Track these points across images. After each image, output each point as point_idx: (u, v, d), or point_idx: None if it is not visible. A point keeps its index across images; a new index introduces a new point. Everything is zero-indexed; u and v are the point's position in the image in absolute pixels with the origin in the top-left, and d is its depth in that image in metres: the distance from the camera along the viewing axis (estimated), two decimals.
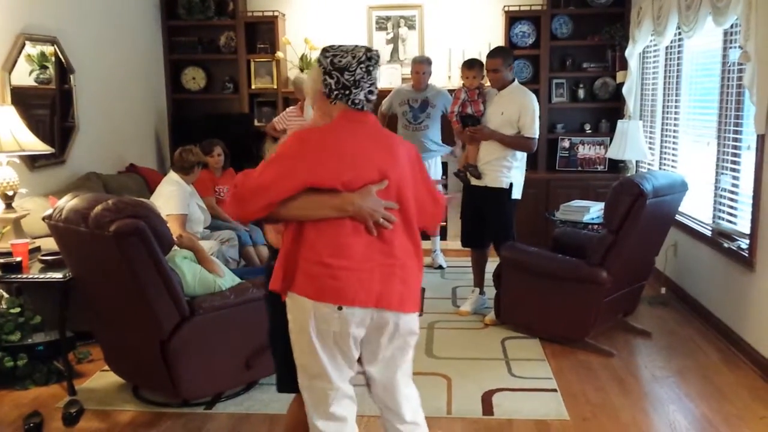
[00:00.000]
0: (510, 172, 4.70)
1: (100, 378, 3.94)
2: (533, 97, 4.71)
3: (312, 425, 2.35)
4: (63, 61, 5.14)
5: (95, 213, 3.16)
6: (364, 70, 2.26)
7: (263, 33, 7.05)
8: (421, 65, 5.89)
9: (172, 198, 4.60)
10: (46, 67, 4.99)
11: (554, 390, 3.73)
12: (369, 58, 2.27)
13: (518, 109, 4.64)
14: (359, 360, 2.37)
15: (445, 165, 6.39)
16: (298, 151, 2.24)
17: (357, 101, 2.28)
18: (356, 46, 2.30)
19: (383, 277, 2.25)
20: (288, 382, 2.45)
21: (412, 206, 2.33)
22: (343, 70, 2.25)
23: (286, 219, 2.24)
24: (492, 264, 4.87)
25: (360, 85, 2.26)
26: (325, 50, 2.30)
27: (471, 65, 4.85)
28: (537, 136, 4.72)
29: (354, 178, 2.21)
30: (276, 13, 6.89)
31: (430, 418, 3.35)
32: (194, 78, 7.11)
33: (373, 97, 2.33)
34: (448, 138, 5.95)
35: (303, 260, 2.22)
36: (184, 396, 3.55)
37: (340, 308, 2.20)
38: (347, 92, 2.26)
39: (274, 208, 2.19)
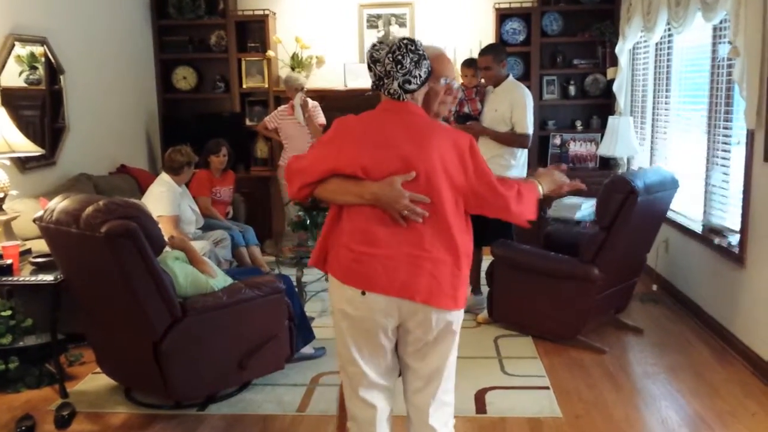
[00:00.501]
0: (508, 172, 4.66)
1: (92, 380, 3.93)
2: (526, 91, 4.69)
3: (348, 405, 2.45)
4: (53, 61, 5.11)
5: (86, 214, 3.15)
6: (392, 59, 2.26)
7: (254, 32, 7.03)
8: None
9: (161, 199, 4.60)
10: (36, 68, 4.96)
11: (547, 387, 3.74)
12: (399, 47, 2.26)
13: (510, 105, 4.63)
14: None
15: None
16: (332, 136, 2.35)
17: (392, 91, 2.30)
18: (399, 38, 2.30)
19: (410, 268, 2.24)
20: None
21: (448, 200, 2.27)
22: (377, 62, 2.31)
23: (325, 200, 2.37)
24: (487, 263, 4.87)
25: (392, 75, 2.28)
26: (372, 45, 2.37)
27: (470, 64, 4.84)
28: (530, 132, 4.70)
29: (373, 165, 2.25)
30: (267, 12, 6.87)
31: None
32: (185, 77, 7.09)
33: (412, 86, 2.30)
34: None
35: (336, 242, 2.33)
36: (176, 398, 3.54)
37: (363, 293, 2.25)
38: (381, 83, 2.32)
39: (313, 189, 2.32)
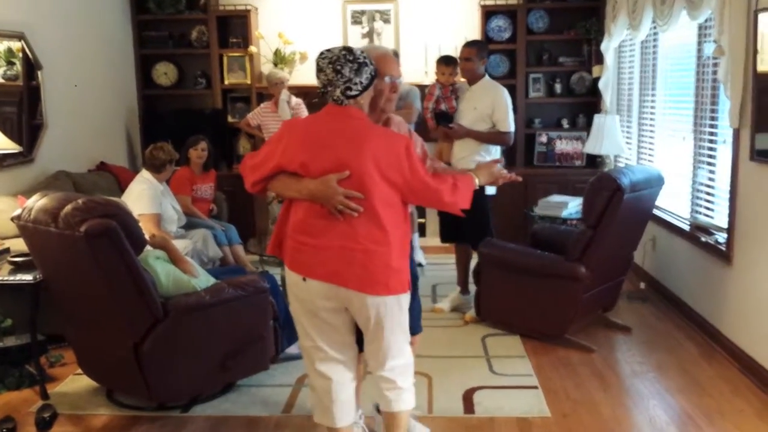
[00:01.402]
0: None
1: (73, 382, 3.86)
2: (505, 91, 4.70)
3: (308, 377, 2.80)
4: (30, 57, 5.00)
5: (65, 213, 3.09)
6: (332, 69, 2.48)
7: (236, 27, 6.95)
8: None
9: (142, 197, 4.52)
10: (13, 63, 4.86)
11: (535, 387, 3.71)
12: (338, 57, 2.48)
13: (491, 103, 4.63)
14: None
15: None
16: (280, 135, 2.61)
17: (336, 98, 2.52)
18: (339, 48, 2.53)
19: (343, 259, 2.49)
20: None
21: (380, 197, 2.48)
22: (321, 71, 2.52)
23: (277, 194, 2.65)
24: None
25: (333, 84, 2.50)
26: (319, 53, 2.55)
27: (448, 61, 4.82)
28: (512, 130, 4.72)
29: (309, 162, 2.49)
30: (249, 7, 6.79)
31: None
32: (165, 73, 6.99)
33: (353, 93, 2.51)
34: (421, 134, 5.89)
35: (285, 232, 2.62)
36: (159, 399, 3.48)
37: (304, 279, 2.54)
38: (326, 90, 2.53)
39: (265, 185, 2.60)
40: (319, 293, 2.54)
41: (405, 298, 2.64)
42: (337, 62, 2.47)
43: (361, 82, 2.51)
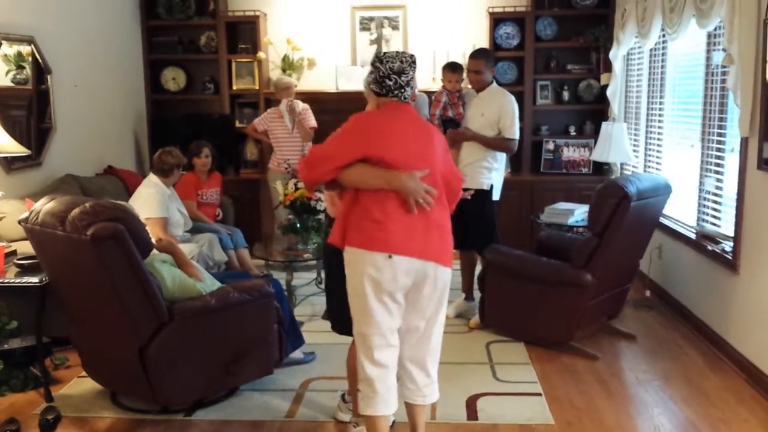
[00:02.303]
0: (491, 174, 4.72)
1: (78, 384, 3.87)
2: (512, 98, 4.71)
3: (360, 368, 2.82)
4: (40, 61, 5.04)
5: (72, 216, 3.10)
6: (413, 71, 2.81)
7: (245, 33, 6.98)
8: None
9: (150, 201, 4.54)
10: (23, 68, 4.90)
11: (539, 394, 3.70)
12: (413, 61, 2.81)
13: (498, 110, 4.64)
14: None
15: None
16: (356, 128, 2.78)
17: (406, 96, 2.82)
18: (398, 52, 2.84)
19: (425, 234, 2.72)
20: (343, 323, 2.99)
21: (442, 182, 2.82)
22: (401, 74, 2.77)
23: (346, 183, 2.74)
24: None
25: (410, 84, 2.80)
26: (379, 58, 2.80)
27: (454, 68, 4.82)
28: (517, 137, 4.75)
29: (401, 152, 2.71)
30: (257, 13, 6.82)
31: None
32: (174, 78, 7.03)
33: (414, 91, 2.86)
34: None
35: (357, 218, 2.72)
36: (163, 403, 3.49)
37: (390, 256, 2.66)
38: (402, 91, 2.80)
39: (338, 173, 2.70)
40: (403, 269, 2.69)
41: None
42: (414, 64, 2.81)
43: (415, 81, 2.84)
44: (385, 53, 2.82)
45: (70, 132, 5.44)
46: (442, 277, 2.80)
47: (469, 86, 4.88)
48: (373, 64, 2.82)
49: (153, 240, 3.53)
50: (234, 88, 6.94)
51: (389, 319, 2.76)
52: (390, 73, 2.77)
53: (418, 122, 2.85)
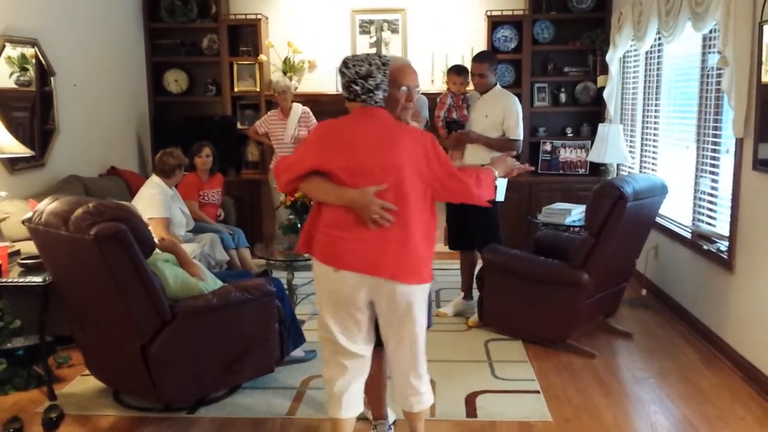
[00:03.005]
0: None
1: (81, 383, 3.90)
2: (516, 100, 4.75)
3: (323, 368, 2.90)
4: (44, 63, 5.09)
5: (76, 216, 3.13)
6: (382, 74, 2.66)
7: (246, 36, 7.03)
8: None
9: (152, 201, 4.59)
10: (27, 69, 4.94)
11: (537, 391, 3.74)
12: (384, 63, 2.67)
13: (502, 112, 4.67)
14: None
15: None
16: (313, 138, 2.77)
17: (378, 100, 2.69)
18: (368, 54, 2.70)
19: (377, 249, 2.62)
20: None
21: (414, 193, 2.64)
22: (367, 77, 2.65)
23: (307, 195, 2.78)
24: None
25: (380, 87, 2.67)
26: (345, 63, 2.69)
27: (459, 71, 4.86)
28: (522, 138, 4.77)
29: (350, 164, 2.62)
30: (259, 16, 6.87)
31: None
32: (176, 80, 7.08)
33: (382, 95, 2.70)
34: None
35: (316, 229, 2.74)
36: (165, 401, 3.52)
37: (336, 270, 2.65)
38: (371, 94, 2.67)
39: (297, 185, 2.71)
40: (351, 284, 2.65)
41: (427, 289, 2.81)
42: (384, 67, 2.66)
43: (384, 83, 2.68)
44: (354, 56, 2.72)
45: (74, 133, 5.48)
46: (402, 294, 2.66)
47: (471, 88, 4.92)
48: (339, 70, 2.74)
49: (155, 240, 3.57)
50: (235, 90, 6.99)
51: (344, 329, 2.76)
52: (356, 78, 2.66)
53: (384, 129, 2.68)
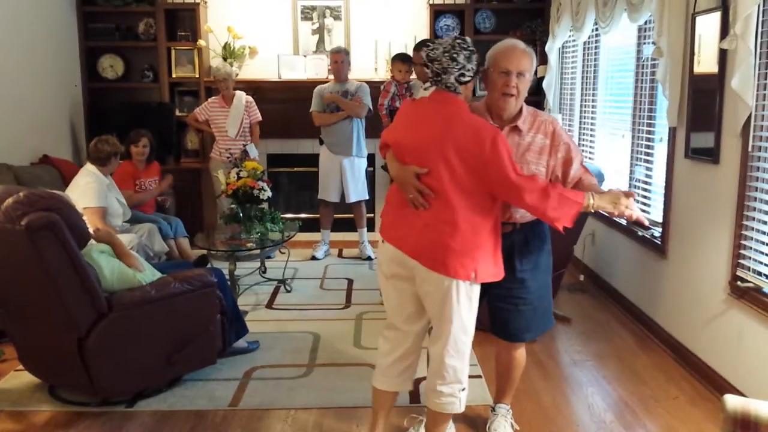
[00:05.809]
0: None
1: (14, 378, 3.78)
2: None
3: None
4: None
5: (6, 206, 3.04)
6: (448, 57, 2.58)
7: (184, 20, 6.87)
8: (339, 55, 5.90)
9: (87, 190, 4.45)
10: None
11: (479, 376, 3.80)
12: (452, 46, 2.58)
13: None
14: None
15: (372, 156, 6.42)
16: (398, 112, 2.90)
17: (449, 84, 2.61)
18: (454, 37, 2.64)
19: (410, 229, 2.64)
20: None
21: (454, 181, 2.53)
22: (434, 61, 2.61)
23: None
24: None
25: (449, 71, 2.59)
26: (425, 45, 2.76)
27: (405, 59, 4.87)
28: None
29: (401, 138, 2.70)
30: (197, 0, 6.73)
31: (357, 409, 3.38)
32: (112, 66, 6.87)
33: (466, 79, 2.61)
34: (374, 131, 5.96)
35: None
36: (103, 394, 3.45)
37: (383, 241, 2.78)
38: (439, 78, 2.62)
39: (384, 153, 2.86)
40: (388, 256, 2.74)
41: (470, 288, 2.64)
42: (452, 50, 2.58)
43: (473, 68, 2.62)
44: (437, 39, 2.73)
45: (3, 120, 5.26)
46: (436, 283, 2.60)
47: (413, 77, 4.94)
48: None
49: (91, 230, 3.47)
50: (174, 76, 6.83)
51: (394, 300, 2.81)
52: (427, 61, 2.66)
53: (442, 114, 2.58)
